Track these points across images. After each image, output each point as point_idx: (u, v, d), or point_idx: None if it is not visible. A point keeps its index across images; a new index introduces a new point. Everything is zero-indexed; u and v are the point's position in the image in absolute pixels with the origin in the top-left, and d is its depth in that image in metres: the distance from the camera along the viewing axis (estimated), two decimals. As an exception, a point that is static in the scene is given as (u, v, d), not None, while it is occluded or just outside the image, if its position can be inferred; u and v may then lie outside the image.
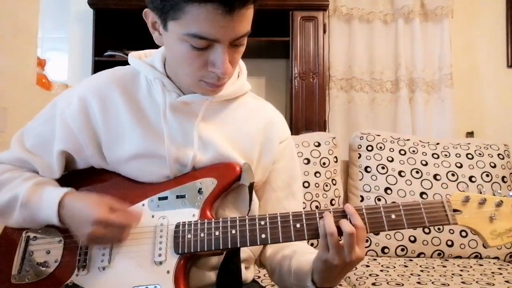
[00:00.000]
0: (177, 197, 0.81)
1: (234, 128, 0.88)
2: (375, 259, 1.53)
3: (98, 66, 2.45)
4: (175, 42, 0.74)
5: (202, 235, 0.76)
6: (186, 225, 0.78)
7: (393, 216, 0.75)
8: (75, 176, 0.90)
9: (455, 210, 0.76)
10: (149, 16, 0.78)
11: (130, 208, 0.79)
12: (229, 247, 0.76)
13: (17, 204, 0.80)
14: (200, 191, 0.80)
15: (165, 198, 0.81)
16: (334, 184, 1.67)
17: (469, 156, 1.67)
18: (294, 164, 0.97)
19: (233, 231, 0.76)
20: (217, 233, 0.76)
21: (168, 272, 0.75)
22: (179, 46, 0.74)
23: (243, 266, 0.87)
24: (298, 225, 0.75)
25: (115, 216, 0.74)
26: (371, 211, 0.76)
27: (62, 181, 0.89)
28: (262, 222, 0.76)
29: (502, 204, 0.75)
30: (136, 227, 0.79)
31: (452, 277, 1.31)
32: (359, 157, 1.72)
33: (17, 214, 0.81)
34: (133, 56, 0.90)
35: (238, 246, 0.76)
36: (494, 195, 0.77)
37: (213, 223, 0.77)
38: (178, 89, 0.85)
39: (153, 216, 0.80)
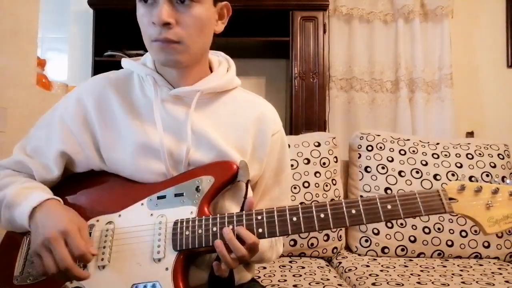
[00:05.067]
0: (175, 195, 0.82)
1: (226, 120, 0.90)
2: (375, 259, 1.53)
3: (98, 66, 2.45)
4: (137, 7, 0.83)
5: (199, 231, 0.77)
6: (184, 222, 0.78)
7: (389, 207, 0.76)
8: (75, 178, 0.91)
9: (451, 199, 0.76)
10: None
11: (93, 244, 0.78)
12: (226, 242, 0.76)
13: (2, 205, 0.82)
14: (198, 189, 0.81)
15: (164, 197, 0.82)
16: (334, 184, 1.67)
17: (469, 156, 1.67)
18: (284, 155, 0.98)
19: (230, 227, 0.76)
20: (214, 229, 0.77)
21: (166, 269, 0.76)
22: (137, 9, 0.83)
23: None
24: (294, 219, 0.76)
25: (79, 237, 0.73)
26: (366, 202, 0.77)
27: (63, 184, 0.90)
28: (259, 217, 0.77)
29: (498, 191, 0.76)
30: (136, 226, 0.80)
31: (452, 277, 1.30)
32: (359, 157, 1.72)
33: (2, 215, 0.83)
34: (126, 59, 0.94)
35: None
36: (490, 183, 0.77)
37: (210, 219, 0.78)
38: (169, 84, 0.88)
39: (151, 215, 0.81)
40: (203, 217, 0.79)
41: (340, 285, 1.26)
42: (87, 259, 0.74)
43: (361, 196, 1.66)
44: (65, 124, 0.88)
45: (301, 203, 0.79)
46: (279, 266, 1.43)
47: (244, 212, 0.78)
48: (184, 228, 0.78)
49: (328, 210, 0.77)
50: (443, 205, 0.76)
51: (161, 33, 0.79)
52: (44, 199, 0.79)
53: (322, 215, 0.76)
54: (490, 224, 0.74)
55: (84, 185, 0.89)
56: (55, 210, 0.78)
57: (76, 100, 0.89)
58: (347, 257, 1.57)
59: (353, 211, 0.76)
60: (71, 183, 0.90)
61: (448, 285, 1.22)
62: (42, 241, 0.72)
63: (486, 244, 1.55)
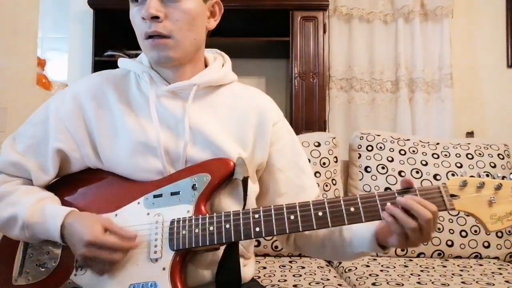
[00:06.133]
0: (172, 194, 0.81)
1: (225, 113, 0.90)
2: (375, 259, 1.53)
3: (98, 66, 2.44)
4: (130, 9, 0.85)
5: (196, 230, 0.77)
6: (181, 222, 0.78)
7: (388, 204, 0.75)
8: (71, 177, 0.90)
9: (452, 195, 0.74)
10: None
11: (126, 229, 0.78)
12: (224, 241, 0.76)
13: (17, 224, 0.80)
14: (194, 187, 0.80)
15: (160, 195, 0.81)
16: (334, 184, 1.67)
17: (469, 156, 1.67)
18: (294, 142, 0.98)
19: (227, 226, 0.76)
20: (211, 228, 0.76)
21: (164, 269, 0.76)
22: (130, 10, 0.84)
23: (241, 263, 0.87)
24: (292, 217, 0.76)
25: (108, 237, 0.75)
26: (365, 200, 0.76)
27: (58, 184, 0.90)
28: (256, 216, 0.76)
29: (501, 187, 0.73)
30: (132, 226, 0.80)
31: (452, 277, 1.30)
32: (359, 157, 1.72)
33: (18, 233, 0.81)
34: (122, 59, 0.96)
35: (233, 240, 0.77)
36: (493, 178, 0.75)
37: (207, 218, 0.77)
38: (165, 80, 0.88)
39: (148, 214, 0.80)
40: (200, 216, 0.78)
41: (340, 285, 1.26)
42: (127, 248, 0.76)
43: (361, 196, 1.67)
44: (60, 121, 0.87)
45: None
46: (279, 266, 1.43)
47: (241, 210, 0.78)
48: (180, 227, 0.77)
49: (326, 208, 0.76)
50: (444, 202, 0.74)
51: (150, 27, 0.80)
52: (64, 215, 0.78)
53: (320, 213, 0.76)
54: (492, 221, 0.72)
55: (79, 185, 0.88)
56: (76, 225, 0.77)
57: (72, 97, 0.88)
58: (347, 257, 1.57)
59: (352, 209, 0.75)
60: (66, 183, 0.89)
61: (448, 285, 1.22)
62: (83, 259, 0.76)
63: (486, 244, 1.55)
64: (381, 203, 0.75)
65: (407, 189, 0.76)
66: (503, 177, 0.76)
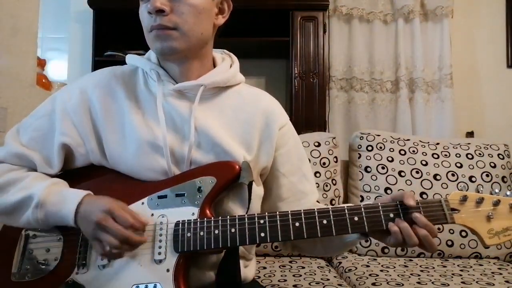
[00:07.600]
0: (177, 195, 0.81)
1: (231, 115, 0.89)
2: (375, 259, 1.53)
3: (98, 66, 2.44)
4: (139, 7, 0.86)
5: (201, 233, 0.77)
6: (186, 224, 0.78)
7: (391, 215, 0.76)
8: (74, 174, 0.89)
9: (453, 209, 0.77)
10: None
11: (139, 215, 0.78)
12: (229, 245, 0.77)
13: (31, 204, 0.79)
14: (199, 189, 0.80)
15: (165, 196, 0.81)
16: (334, 184, 1.67)
17: (469, 156, 1.67)
18: (299, 147, 0.98)
19: (233, 230, 0.76)
20: (216, 231, 0.76)
21: (168, 270, 0.76)
22: (139, 9, 0.85)
23: (242, 264, 0.87)
24: (297, 224, 0.76)
25: (124, 212, 0.75)
26: (369, 210, 0.77)
27: (62, 179, 0.88)
28: (262, 221, 0.77)
29: (499, 203, 0.77)
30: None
31: (452, 277, 1.30)
32: (359, 157, 1.72)
33: (29, 215, 0.80)
34: (131, 55, 0.94)
35: (238, 244, 0.77)
36: (491, 194, 0.78)
37: (212, 221, 0.77)
38: (172, 79, 0.88)
39: (152, 215, 0.80)
40: (205, 219, 0.78)
41: (340, 285, 1.26)
42: (138, 227, 0.75)
43: (361, 196, 1.67)
44: (67, 115, 0.86)
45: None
46: (279, 266, 1.43)
47: (246, 215, 0.78)
48: (185, 229, 0.77)
49: (331, 216, 0.76)
50: (445, 216, 0.76)
51: (155, 20, 0.80)
52: (82, 197, 0.79)
53: (324, 222, 0.76)
54: (489, 236, 0.76)
55: (82, 181, 0.88)
56: (94, 200, 0.78)
57: (80, 91, 0.87)
58: (347, 257, 1.57)
59: (356, 218, 0.76)
60: (69, 179, 0.89)
61: (448, 285, 1.22)
62: (93, 227, 0.74)
63: (486, 244, 1.55)
64: (384, 214, 0.76)
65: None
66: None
